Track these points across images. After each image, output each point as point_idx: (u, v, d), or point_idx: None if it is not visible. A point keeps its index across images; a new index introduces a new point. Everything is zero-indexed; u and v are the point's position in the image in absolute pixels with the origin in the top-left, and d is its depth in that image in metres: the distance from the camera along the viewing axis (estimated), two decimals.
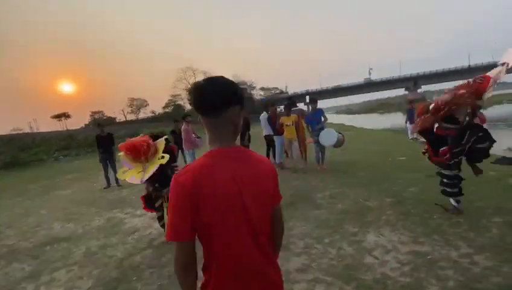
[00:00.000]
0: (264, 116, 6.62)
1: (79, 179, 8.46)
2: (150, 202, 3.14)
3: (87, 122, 55.67)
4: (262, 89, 53.53)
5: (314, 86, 72.56)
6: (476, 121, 2.77)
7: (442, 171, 2.95)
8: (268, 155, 7.01)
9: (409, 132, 8.48)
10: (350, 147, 8.22)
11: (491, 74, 2.78)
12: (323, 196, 4.05)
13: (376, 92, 62.25)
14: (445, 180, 2.95)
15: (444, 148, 2.82)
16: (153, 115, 51.27)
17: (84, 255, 3.09)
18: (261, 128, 6.84)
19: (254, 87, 50.25)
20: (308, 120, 5.81)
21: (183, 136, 6.75)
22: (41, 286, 2.59)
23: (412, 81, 57.35)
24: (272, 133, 6.27)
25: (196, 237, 0.83)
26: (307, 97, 67.13)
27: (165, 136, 3.16)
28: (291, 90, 65.12)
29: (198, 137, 6.80)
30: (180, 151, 7.59)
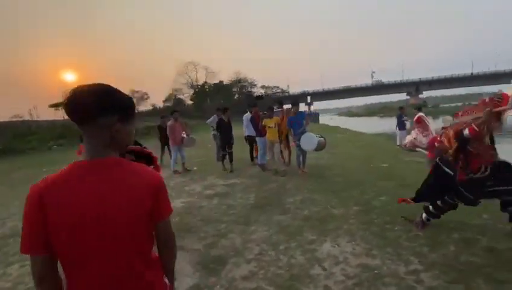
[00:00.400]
0: (247, 116, 6.56)
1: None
2: None
3: None
4: (263, 87, 53.29)
5: (315, 87, 72.36)
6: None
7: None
8: (252, 155, 6.98)
9: (398, 138, 8.41)
10: (337, 151, 8.19)
11: (509, 92, 2.60)
12: (293, 201, 4.01)
13: (379, 96, 61.99)
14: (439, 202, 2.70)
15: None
16: (153, 108, 51.15)
17: None
18: (243, 128, 6.79)
19: (255, 85, 50.03)
20: (290, 123, 5.75)
21: (168, 132, 6.68)
22: None
23: (414, 87, 57.15)
24: (254, 134, 6.22)
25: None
26: (308, 97, 67.40)
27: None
28: (292, 90, 64.91)
29: (187, 135, 6.66)
30: (166, 146, 7.58)
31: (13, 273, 2.67)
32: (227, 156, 6.38)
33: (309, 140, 5.41)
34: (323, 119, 43.24)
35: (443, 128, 2.87)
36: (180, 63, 57.89)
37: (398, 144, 8.37)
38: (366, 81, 67.52)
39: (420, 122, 5.78)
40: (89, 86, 0.82)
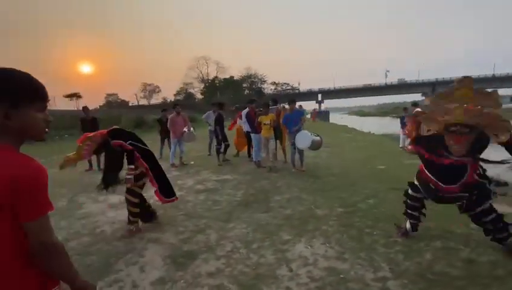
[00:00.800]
0: (246, 112, 6.52)
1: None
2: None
3: (101, 104, 57.18)
4: (273, 83, 52.95)
5: (326, 86, 71.13)
6: None
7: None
8: (249, 152, 6.96)
9: (401, 139, 8.16)
10: (338, 150, 8.05)
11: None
12: (280, 199, 3.97)
13: (392, 96, 60.26)
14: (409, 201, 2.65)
15: None
16: (164, 101, 51.93)
17: None
18: (242, 124, 6.77)
19: (265, 81, 49.75)
20: (285, 121, 5.68)
21: (168, 125, 6.74)
22: None
23: (431, 87, 55.24)
24: (249, 130, 6.19)
25: None
26: (319, 96, 66.37)
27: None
28: (303, 88, 64.16)
29: (188, 130, 6.63)
30: (166, 139, 7.66)
31: None
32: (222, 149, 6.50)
33: (303, 138, 5.33)
34: (333, 118, 42.59)
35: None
36: (191, 58, 58.31)
37: (400, 145, 8.12)
38: (380, 81, 65.77)
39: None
40: None
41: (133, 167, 2.94)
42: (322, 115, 37.49)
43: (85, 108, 7.02)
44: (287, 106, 6.80)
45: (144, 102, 58.64)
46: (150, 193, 3.47)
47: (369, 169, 5.66)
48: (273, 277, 2.16)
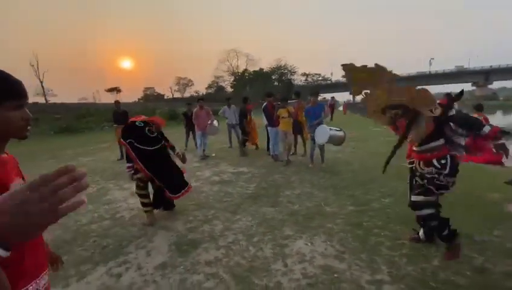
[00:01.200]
0: (263, 105, 6.51)
1: (105, 149, 9.53)
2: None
3: (140, 97, 61.06)
4: (303, 74, 51.52)
5: None
6: None
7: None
8: (268, 145, 6.97)
9: None
10: (363, 146, 7.67)
11: None
12: (289, 194, 3.95)
13: (439, 86, 55.01)
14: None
15: None
16: (197, 94, 53.68)
17: None
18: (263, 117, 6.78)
19: (295, 72, 48.49)
20: (306, 114, 5.56)
21: (193, 119, 7.04)
22: None
23: (483, 75, 49.37)
24: (267, 123, 6.19)
25: None
26: None
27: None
28: (336, 78, 61.52)
29: (211, 123, 6.88)
30: (191, 132, 8.01)
31: None
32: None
33: (322, 133, 5.18)
34: None
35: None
36: (222, 51, 59.17)
37: None
38: (424, 69, 60.34)
39: None
40: None
41: (129, 164, 3.20)
42: (357, 107, 35.42)
43: (116, 102, 7.61)
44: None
45: (178, 95, 61.34)
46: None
47: (392, 166, 5.30)
48: (267, 271, 2.20)
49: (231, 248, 2.59)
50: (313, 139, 5.39)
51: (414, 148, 2.33)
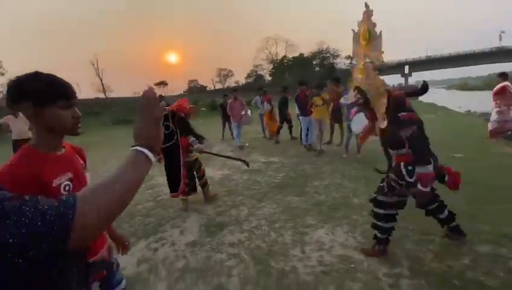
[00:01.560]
0: (296, 94, 6.44)
1: None
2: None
3: (184, 90, 64.67)
4: (347, 57, 48.29)
5: (417, 54, 60.29)
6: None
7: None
8: (301, 135, 6.92)
9: (491, 120, 6.31)
10: None
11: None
12: (317, 185, 3.94)
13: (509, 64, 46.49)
14: None
15: None
16: (237, 84, 54.71)
17: None
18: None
19: (338, 56, 45.71)
20: (345, 101, 5.35)
21: (227, 110, 7.35)
22: None
23: None
24: (298, 112, 6.13)
25: None
26: (406, 67, 57.07)
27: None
28: (386, 59, 56.23)
29: (245, 113, 7.11)
30: (227, 123, 8.37)
31: None
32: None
33: (358, 121, 4.94)
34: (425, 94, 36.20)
35: None
36: (261, 38, 58.72)
37: (490, 128, 6.46)
38: (493, 45, 51.39)
39: (504, 92, 4.45)
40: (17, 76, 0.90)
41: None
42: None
43: (160, 96, 8.29)
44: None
45: (219, 86, 63.29)
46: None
47: (439, 157, 4.86)
48: (284, 255, 2.32)
49: (254, 232, 2.76)
50: (350, 128, 5.20)
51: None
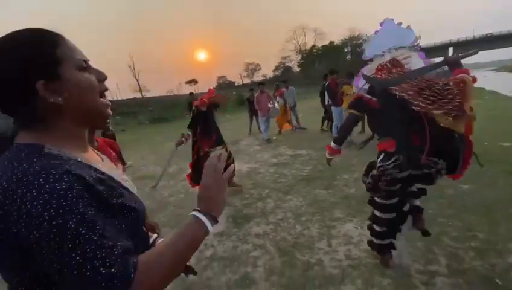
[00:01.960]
0: (326, 83, 6.23)
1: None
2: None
3: (213, 86, 66.15)
4: None
5: (462, 34, 53.97)
6: None
7: None
8: (331, 127, 6.71)
9: None
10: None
11: None
12: (347, 178, 3.81)
13: None
14: None
15: None
16: (264, 78, 54.46)
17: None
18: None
19: None
20: None
21: (255, 104, 7.40)
22: None
23: None
24: (329, 102, 5.93)
25: None
26: (450, 49, 51.80)
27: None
28: (427, 41, 51.77)
29: (272, 105, 7.13)
30: (255, 117, 8.42)
31: None
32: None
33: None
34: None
35: None
36: (289, 29, 57.38)
37: None
38: None
39: None
40: None
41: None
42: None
43: (191, 93, 8.64)
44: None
45: (247, 81, 63.63)
46: None
47: (485, 146, 4.39)
48: (310, 248, 2.30)
49: (279, 224, 2.77)
50: None
51: None
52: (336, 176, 3.93)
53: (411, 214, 1.90)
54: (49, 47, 0.53)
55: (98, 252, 0.45)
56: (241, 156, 5.77)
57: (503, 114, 6.83)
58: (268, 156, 5.54)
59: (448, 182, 3.27)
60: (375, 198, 1.84)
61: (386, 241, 1.90)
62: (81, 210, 0.46)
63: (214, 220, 0.64)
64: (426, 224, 2.42)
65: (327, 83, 6.00)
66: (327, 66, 34.95)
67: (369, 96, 1.80)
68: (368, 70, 1.90)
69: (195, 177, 3.57)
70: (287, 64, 51.64)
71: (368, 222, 2.00)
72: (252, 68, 63.97)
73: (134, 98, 31.84)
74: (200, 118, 3.53)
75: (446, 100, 1.41)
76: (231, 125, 10.83)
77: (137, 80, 41.40)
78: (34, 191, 0.44)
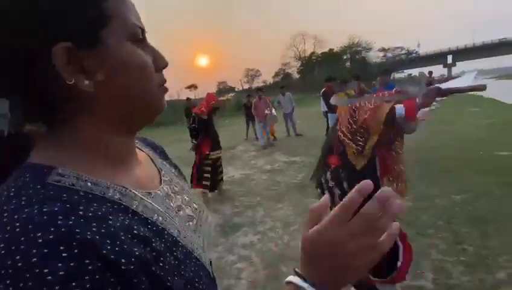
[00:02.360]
0: (322, 90, 6.24)
1: (183, 139, 10.93)
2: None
3: (214, 92, 66.53)
4: (382, 50, 45.52)
5: (462, 42, 54.57)
6: None
7: None
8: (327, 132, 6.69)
9: None
10: (447, 129, 6.46)
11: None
12: None
13: None
14: None
15: None
16: (264, 84, 54.74)
17: None
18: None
19: (370, 49, 43.05)
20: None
21: (252, 110, 7.40)
22: None
23: None
24: (325, 109, 5.94)
25: None
26: (449, 57, 52.14)
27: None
28: (426, 49, 52.18)
29: (269, 112, 7.12)
30: (251, 122, 8.41)
31: None
32: None
33: None
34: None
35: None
36: (289, 37, 58.02)
37: None
38: None
39: None
40: None
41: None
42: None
43: (188, 99, 8.67)
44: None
45: (247, 86, 64.04)
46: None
47: (480, 155, 4.34)
48: (296, 260, 2.22)
49: (267, 234, 2.71)
50: None
51: None
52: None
53: None
54: None
55: None
56: (236, 162, 5.74)
57: (501, 123, 6.80)
58: (262, 163, 5.50)
59: (442, 190, 3.24)
60: None
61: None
62: None
63: None
64: (413, 236, 2.37)
65: (323, 90, 6.00)
66: (326, 73, 35.10)
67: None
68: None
69: (197, 176, 3.74)
70: (287, 70, 51.97)
71: None
72: (252, 74, 64.45)
73: None
74: (201, 125, 3.79)
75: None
76: (229, 130, 10.82)
77: None
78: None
